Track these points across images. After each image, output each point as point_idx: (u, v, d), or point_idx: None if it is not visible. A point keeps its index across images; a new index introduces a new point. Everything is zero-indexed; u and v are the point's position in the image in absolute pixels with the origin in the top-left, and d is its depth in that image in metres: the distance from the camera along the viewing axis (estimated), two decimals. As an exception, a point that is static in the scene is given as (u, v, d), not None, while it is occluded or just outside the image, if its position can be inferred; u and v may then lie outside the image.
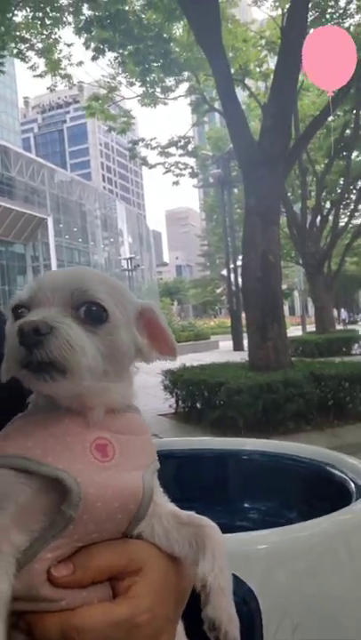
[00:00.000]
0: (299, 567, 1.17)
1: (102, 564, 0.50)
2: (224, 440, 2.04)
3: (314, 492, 1.63)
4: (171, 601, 0.53)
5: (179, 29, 12.90)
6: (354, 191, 20.12)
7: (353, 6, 11.06)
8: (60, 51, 12.09)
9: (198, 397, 6.31)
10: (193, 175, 19.44)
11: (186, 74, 14.02)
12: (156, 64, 12.80)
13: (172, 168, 17.80)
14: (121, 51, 12.62)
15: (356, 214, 21.01)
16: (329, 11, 10.77)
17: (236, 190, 24.37)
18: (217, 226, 34.76)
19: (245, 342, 11.72)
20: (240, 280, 21.33)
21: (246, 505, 1.68)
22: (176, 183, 18.00)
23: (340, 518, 1.25)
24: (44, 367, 0.48)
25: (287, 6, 14.29)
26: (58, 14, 10.63)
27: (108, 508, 0.49)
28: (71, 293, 0.51)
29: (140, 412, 0.59)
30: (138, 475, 0.53)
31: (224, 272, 29.43)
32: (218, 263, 48.70)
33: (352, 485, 1.46)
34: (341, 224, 19.79)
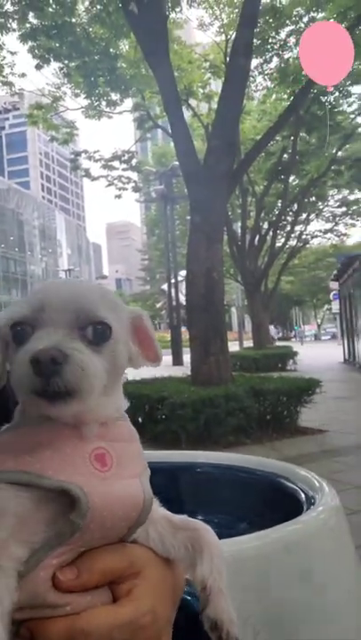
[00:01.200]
0: (251, 577, 1.19)
1: (105, 568, 0.50)
2: (177, 453, 2.04)
3: (266, 504, 1.67)
4: (169, 602, 0.54)
5: (125, 46, 13.03)
6: (290, 213, 20.99)
7: (293, 39, 11.66)
8: (4, 57, 11.85)
9: (140, 411, 6.27)
10: (136, 190, 19.52)
11: (132, 90, 14.14)
12: (102, 78, 12.83)
13: (115, 182, 17.79)
14: (67, 62, 12.55)
15: (292, 236, 21.91)
16: (270, 41, 11.29)
17: (178, 206, 24.72)
18: (158, 241, 35.04)
19: (185, 357, 11.82)
20: (181, 295, 21.57)
21: (200, 517, 1.69)
22: (118, 197, 18.02)
23: (289, 528, 1.29)
24: (60, 395, 0.48)
25: (231, 32, 14.88)
26: (2, 20, 10.41)
27: (112, 516, 0.50)
28: (77, 314, 0.51)
29: (128, 419, 0.60)
30: (136, 482, 0.54)
31: (164, 287, 29.62)
32: (158, 278, 48.96)
33: (303, 496, 1.51)
34: (278, 244, 20.55)
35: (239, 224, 18.56)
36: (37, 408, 0.50)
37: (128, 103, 16.44)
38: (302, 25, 11.02)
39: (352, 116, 16.77)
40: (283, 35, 11.55)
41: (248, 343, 24.95)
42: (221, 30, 15.14)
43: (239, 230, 18.47)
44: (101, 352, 0.51)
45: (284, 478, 1.61)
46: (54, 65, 12.29)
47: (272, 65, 12.73)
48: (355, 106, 16.32)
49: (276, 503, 1.60)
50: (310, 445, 5.84)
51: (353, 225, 25.15)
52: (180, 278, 23.92)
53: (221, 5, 14.23)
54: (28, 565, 0.47)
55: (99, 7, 11.03)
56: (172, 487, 1.82)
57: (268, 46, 11.53)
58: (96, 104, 14.06)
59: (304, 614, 1.19)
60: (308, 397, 6.32)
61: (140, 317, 0.59)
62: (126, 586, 0.51)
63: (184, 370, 8.42)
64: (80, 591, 0.49)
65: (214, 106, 17.69)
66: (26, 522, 0.48)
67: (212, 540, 0.56)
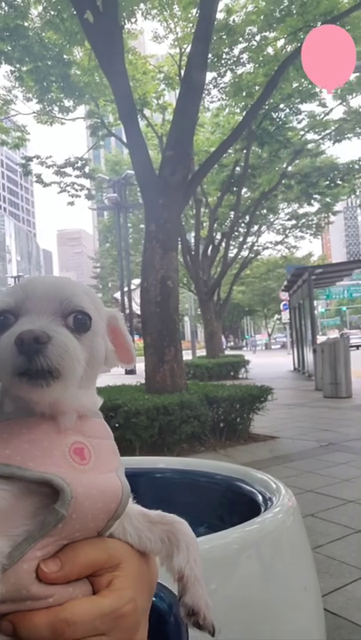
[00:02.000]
0: (212, 576, 1.21)
1: (87, 560, 0.52)
2: (137, 458, 2.04)
3: (225, 507, 1.70)
4: (146, 592, 0.56)
5: (80, 53, 12.98)
6: (243, 225, 21.43)
7: (245, 56, 11.98)
8: None
9: (93, 421, 6.19)
10: (89, 197, 19.37)
11: (85, 97, 14.08)
12: (55, 84, 12.71)
13: (68, 188, 17.60)
14: (18, 65, 12.36)
15: (244, 247, 22.35)
16: (224, 57, 11.56)
17: (131, 214, 24.70)
18: (111, 248, 34.80)
19: (139, 365, 11.78)
20: (134, 304, 21.50)
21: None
22: (71, 204, 17.82)
23: (248, 528, 1.32)
24: (42, 374, 0.49)
25: (185, 46, 15.12)
26: None
27: (93, 507, 0.51)
28: (60, 302, 0.53)
29: (102, 417, 0.61)
30: (114, 476, 0.55)
31: (117, 295, 29.41)
32: (111, 286, 48.57)
33: (260, 498, 1.55)
34: (231, 255, 20.91)
35: (193, 234, 18.78)
36: (18, 392, 0.51)
37: (81, 110, 16.37)
38: (255, 43, 11.37)
39: (302, 132, 17.38)
40: (236, 51, 11.85)
41: (200, 352, 25.15)
42: (176, 43, 15.37)
43: (193, 240, 18.68)
44: (81, 341, 0.53)
45: (242, 481, 1.64)
46: (6, 67, 12.09)
47: (226, 79, 13.03)
48: (304, 123, 16.94)
49: (235, 506, 1.63)
50: (263, 452, 5.95)
51: (302, 237, 25.95)
52: (132, 287, 23.88)
53: (176, 19, 14.44)
54: (12, 558, 0.48)
55: (53, 13, 10.95)
56: (132, 492, 1.82)
57: (223, 61, 11.79)
58: (48, 109, 13.91)
59: (265, 611, 1.23)
60: (260, 405, 6.44)
61: (115, 317, 0.62)
62: (106, 577, 0.53)
63: (137, 378, 8.39)
64: (63, 583, 0.50)
65: (168, 117, 17.92)
66: (7, 515, 0.48)
67: (188, 532, 0.59)
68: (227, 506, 1.70)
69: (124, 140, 19.15)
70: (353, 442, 6.33)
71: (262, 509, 1.46)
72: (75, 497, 0.49)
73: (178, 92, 16.41)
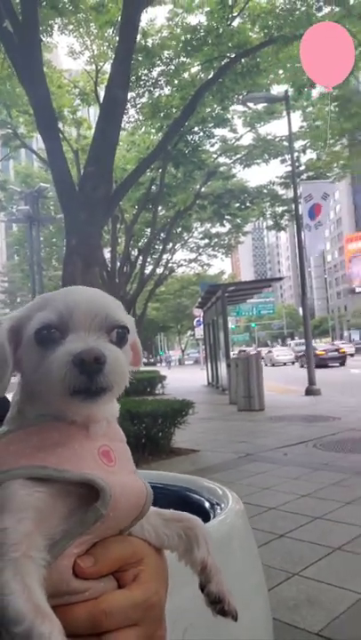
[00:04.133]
0: (172, 581, 1.24)
1: (117, 556, 0.54)
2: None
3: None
4: (164, 586, 0.59)
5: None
6: (159, 242, 21.76)
7: (163, 79, 12.32)
8: None
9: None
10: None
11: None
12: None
13: (-23, 199, 16.86)
14: None
15: (160, 263, 22.67)
16: (143, 78, 11.80)
17: (43, 228, 24.10)
18: (21, 262, 33.59)
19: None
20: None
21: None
22: (-20, 215, 17.06)
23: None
24: (98, 392, 0.51)
25: (101, 63, 15.21)
26: None
27: (127, 506, 0.54)
28: (105, 318, 0.54)
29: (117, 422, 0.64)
30: (136, 477, 0.58)
31: (28, 311, 28.32)
32: (20, 301, 46.75)
33: (207, 505, 1.60)
34: (147, 271, 21.11)
35: (109, 250, 18.73)
36: (67, 407, 0.53)
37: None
38: (173, 67, 11.75)
39: (214, 155, 18.11)
40: (155, 73, 12.16)
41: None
42: (92, 60, 15.44)
43: (109, 256, 18.62)
44: (123, 354, 0.56)
45: (189, 490, 1.68)
46: None
47: (143, 99, 13.29)
48: (217, 146, 17.68)
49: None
50: (185, 465, 6.03)
51: (215, 256, 26.89)
52: (46, 302, 23.16)
53: (92, 37, 14.53)
54: (53, 555, 0.49)
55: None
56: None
57: (141, 82, 12.03)
58: None
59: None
60: (182, 419, 6.53)
61: (132, 322, 0.64)
62: (132, 572, 0.55)
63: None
64: (97, 578, 0.52)
65: (83, 132, 17.86)
66: (45, 516, 0.50)
67: (204, 527, 0.63)
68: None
69: (37, 151, 18.78)
70: (269, 452, 6.62)
71: (211, 516, 1.52)
72: (113, 495, 0.52)
73: (93, 108, 16.47)
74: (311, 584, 2.89)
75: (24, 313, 0.57)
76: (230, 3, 10.77)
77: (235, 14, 11.01)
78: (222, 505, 1.56)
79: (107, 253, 18.86)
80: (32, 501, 0.49)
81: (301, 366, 25.60)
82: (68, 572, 0.51)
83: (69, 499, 0.51)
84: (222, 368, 15.91)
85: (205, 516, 1.53)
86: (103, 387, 0.51)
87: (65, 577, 0.50)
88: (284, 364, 40.42)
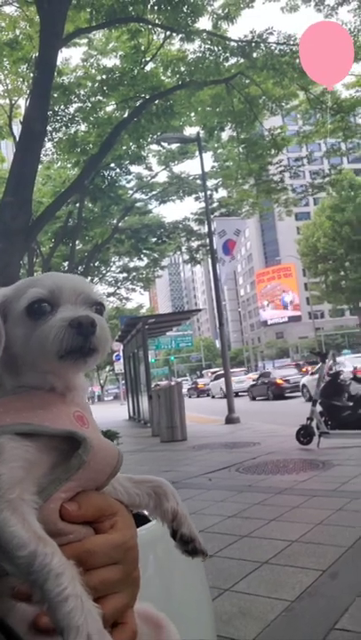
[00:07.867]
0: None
1: (97, 504, 0.60)
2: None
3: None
4: (136, 537, 0.65)
5: None
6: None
7: (80, 115, 12.53)
8: None
9: None
10: None
11: None
12: None
13: None
14: None
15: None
16: (60, 113, 11.95)
17: None
18: None
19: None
20: None
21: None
22: None
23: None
24: (90, 353, 0.59)
25: (16, 98, 15.19)
26: None
27: (104, 459, 0.60)
28: (88, 295, 0.62)
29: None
30: (108, 440, 0.64)
31: None
32: None
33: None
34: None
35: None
36: (58, 368, 0.59)
37: None
38: (89, 104, 12.04)
39: (131, 191, 18.51)
40: (71, 109, 12.37)
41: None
42: (6, 95, 15.38)
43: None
44: None
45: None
46: None
47: (60, 134, 13.42)
48: (133, 183, 18.12)
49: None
50: (111, 497, 5.91)
51: (133, 290, 27.07)
52: None
53: (6, 72, 14.52)
54: (43, 498, 0.54)
55: None
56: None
57: (58, 117, 12.17)
58: None
59: (168, 614, 1.30)
60: (106, 450, 6.42)
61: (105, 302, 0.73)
62: (108, 522, 0.61)
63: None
64: (80, 522, 0.58)
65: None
66: (33, 465, 0.55)
67: (171, 486, 0.70)
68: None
69: None
70: (194, 479, 6.67)
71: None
72: (92, 446, 0.58)
73: (6, 141, 16.29)
74: (242, 597, 2.96)
75: (10, 292, 0.62)
76: (143, 48, 11.37)
77: (147, 59, 11.61)
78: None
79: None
80: (21, 453, 0.54)
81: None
82: (55, 514, 0.56)
83: (54, 452, 0.57)
84: (144, 401, 15.85)
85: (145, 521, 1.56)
86: (95, 347, 0.59)
87: (52, 518, 0.55)
88: (236, 394, 40.52)
